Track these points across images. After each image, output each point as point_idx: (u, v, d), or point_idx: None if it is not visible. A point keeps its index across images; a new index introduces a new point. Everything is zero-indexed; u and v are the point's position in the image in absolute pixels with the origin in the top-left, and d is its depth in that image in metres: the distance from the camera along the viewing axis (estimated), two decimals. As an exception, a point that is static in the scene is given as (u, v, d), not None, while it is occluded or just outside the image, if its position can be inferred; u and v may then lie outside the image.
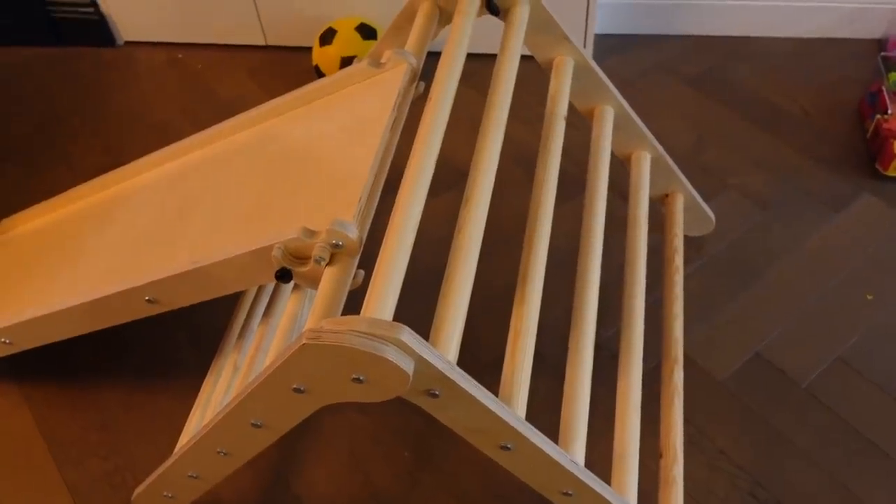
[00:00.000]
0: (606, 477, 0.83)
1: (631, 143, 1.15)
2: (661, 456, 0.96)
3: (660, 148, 1.17)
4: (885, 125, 1.34)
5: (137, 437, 1.10)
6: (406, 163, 0.78)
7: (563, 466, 0.73)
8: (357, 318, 0.63)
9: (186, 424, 1.01)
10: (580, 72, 1.06)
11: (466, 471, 1.04)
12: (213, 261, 0.81)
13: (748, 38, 1.64)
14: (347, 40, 1.49)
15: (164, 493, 0.95)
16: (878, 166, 1.35)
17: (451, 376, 0.65)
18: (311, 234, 0.76)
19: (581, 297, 0.90)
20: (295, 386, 0.68)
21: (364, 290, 0.72)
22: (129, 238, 1.03)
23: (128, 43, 1.76)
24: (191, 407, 1.05)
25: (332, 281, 0.74)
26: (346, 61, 1.48)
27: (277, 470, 1.05)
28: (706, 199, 1.26)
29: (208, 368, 1.07)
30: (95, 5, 1.67)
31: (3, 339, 1.04)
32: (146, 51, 1.74)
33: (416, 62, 0.93)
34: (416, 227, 0.74)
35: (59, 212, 1.24)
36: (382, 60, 0.94)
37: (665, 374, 1.03)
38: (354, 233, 0.74)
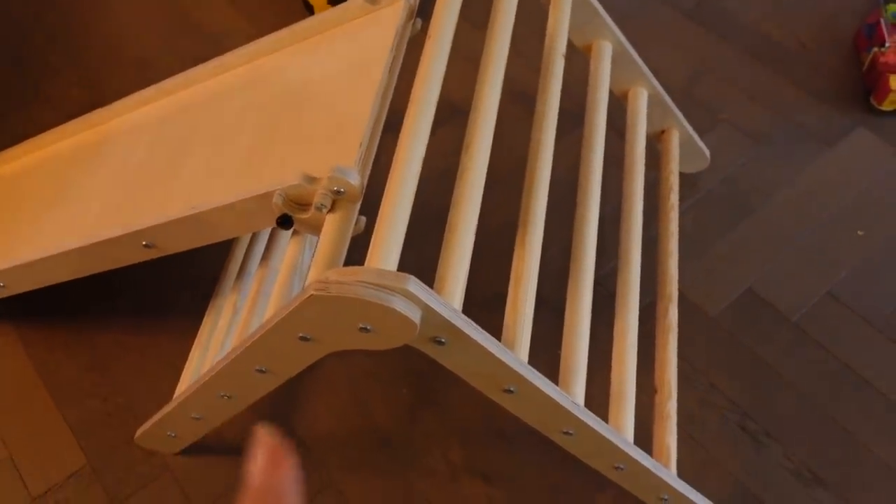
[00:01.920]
0: (604, 413, 0.85)
1: (628, 79, 1.14)
2: (655, 392, 0.98)
3: (657, 84, 1.15)
4: (881, 59, 1.33)
5: (136, 377, 1.11)
6: (404, 103, 0.76)
7: (564, 408, 0.75)
8: (364, 269, 0.63)
9: (186, 365, 1.02)
10: (578, 6, 1.04)
11: (466, 408, 1.06)
12: (212, 206, 0.80)
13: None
14: (335, -31, 1.43)
15: (168, 433, 0.96)
16: (872, 100, 1.34)
17: (458, 324, 0.65)
18: (312, 180, 0.75)
19: (580, 238, 0.90)
20: (301, 334, 0.68)
21: (365, 237, 0.72)
22: (120, 179, 1.01)
23: (104, -31, 1.68)
24: (189, 348, 1.05)
25: (334, 229, 0.73)
26: (335, -9, 1.43)
27: (278, 408, 1.07)
28: (699, 134, 1.25)
29: (205, 310, 1.07)
30: (68, -71, 1.59)
31: (-4, 282, 1.03)
32: (123, -23, 1.67)
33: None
34: (418, 174, 0.73)
35: (43, 150, 1.22)
36: (377, -3, 0.91)
37: (660, 311, 1.04)
38: (356, 179, 0.74)
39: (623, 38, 1.10)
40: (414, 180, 0.72)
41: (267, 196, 0.76)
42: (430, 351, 0.69)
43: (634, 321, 0.94)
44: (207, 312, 1.06)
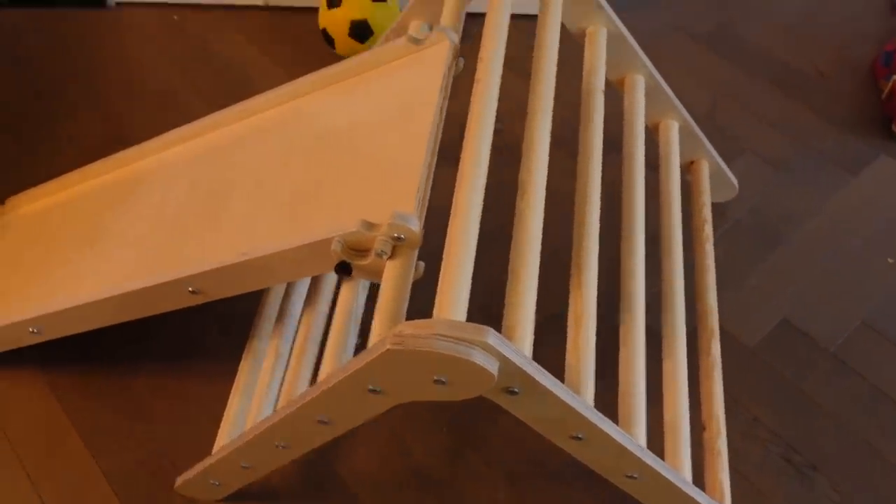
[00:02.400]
0: (660, 452, 0.84)
1: (660, 111, 1.14)
2: (704, 428, 0.98)
3: (686, 115, 1.16)
4: (902, 86, 1.34)
5: (171, 423, 1.09)
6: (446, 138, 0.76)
7: (631, 452, 0.74)
8: (440, 321, 0.62)
9: (226, 412, 1.00)
10: (613, 41, 1.04)
11: (510, 447, 1.05)
12: (265, 253, 0.79)
13: (759, -5, 1.62)
14: (357, 3, 1.43)
15: (212, 482, 0.94)
16: (894, 128, 1.36)
17: (534, 375, 0.65)
18: (371, 226, 0.74)
19: (629, 279, 0.90)
20: (371, 387, 0.67)
21: (421, 281, 0.71)
22: (158, 221, 1.00)
23: (119, 4, 1.68)
24: (223, 391, 1.04)
25: (395, 276, 0.73)
26: (356, 25, 1.43)
27: (319, 449, 1.05)
28: (724, 163, 1.26)
29: (237, 352, 1.06)
30: (84, -35, 1.59)
31: (31, 329, 1.01)
32: (139, 12, 1.66)
33: (457, 39, 0.90)
34: (479, 220, 0.72)
35: (70, 190, 1.20)
36: (420, 37, 0.91)
37: (703, 346, 1.04)
38: (417, 226, 0.73)
39: (655, 72, 1.10)
40: (475, 229, 0.71)
41: (324, 243, 0.76)
42: (502, 401, 0.68)
43: (684, 361, 0.93)
44: (245, 356, 1.04)
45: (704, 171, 1.21)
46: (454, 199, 0.73)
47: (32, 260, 1.12)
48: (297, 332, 0.95)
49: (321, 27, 1.48)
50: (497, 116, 0.79)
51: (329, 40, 1.48)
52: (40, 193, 1.23)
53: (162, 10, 1.66)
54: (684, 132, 1.16)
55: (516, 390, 0.66)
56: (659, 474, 0.78)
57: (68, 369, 1.14)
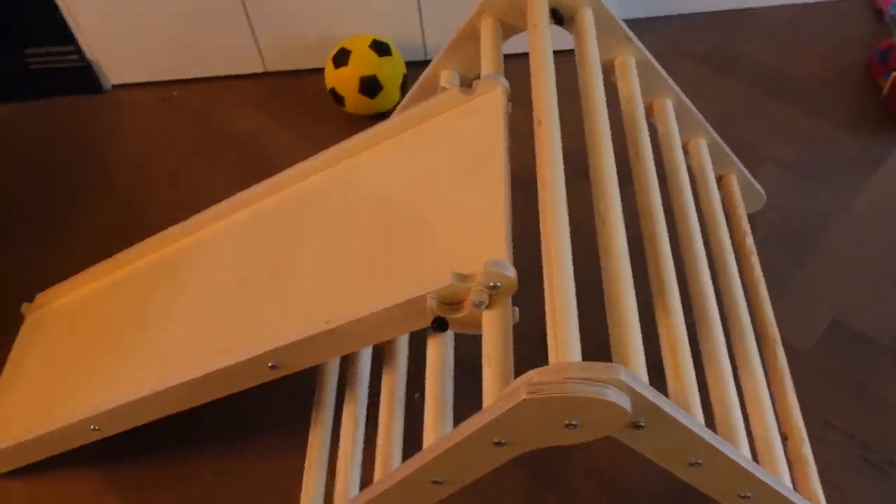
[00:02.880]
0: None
1: (688, 130, 1.16)
2: (786, 438, 0.97)
3: (713, 132, 1.18)
4: (903, 81, 1.39)
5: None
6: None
7: (748, 471, 0.74)
8: (569, 365, 0.62)
9: (304, 488, 0.97)
10: (642, 69, 1.06)
11: (587, 482, 1.03)
12: (352, 319, 0.78)
13: (743, 10, 1.67)
14: (363, 59, 1.45)
15: (305, 560, 0.91)
16: (900, 122, 1.40)
17: (664, 407, 0.64)
18: (465, 278, 0.74)
19: (702, 302, 0.90)
20: (497, 440, 0.66)
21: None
22: (214, 300, 0.98)
23: (115, 87, 1.67)
24: (290, 465, 1.02)
25: (496, 325, 0.72)
26: (365, 81, 1.44)
27: None
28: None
29: (300, 423, 1.03)
30: (79, 52, 1.58)
31: (92, 426, 0.98)
32: (136, 93, 1.66)
33: (507, 84, 0.91)
34: (571, 257, 0.72)
35: (103, 280, 1.18)
36: (472, 86, 0.91)
37: (768, 357, 1.04)
38: (512, 272, 0.73)
39: (682, 94, 1.12)
40: (570, 267, 0.71)
41: (417, 300, 0.75)
42: (626, 436, 0.68)
43: (762, 374, 0.94)
44: (313, 427, 1.02)
45: (735, 184, 1.23)
46: (545, 241, 0.73)
47: (77, 354, 1.09)
48: (375, 394, 0.93)
49: (329, 87, 1.49)
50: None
51: (339, 99, 1.49)
52: (71, 286, 1.21)
53: (159, 88, 1.66)
54: (713, 149, 1.18)
55: (642, 424, 0.66)
56: (774, 490, 0.77)
57: (124, 462, 1.11)
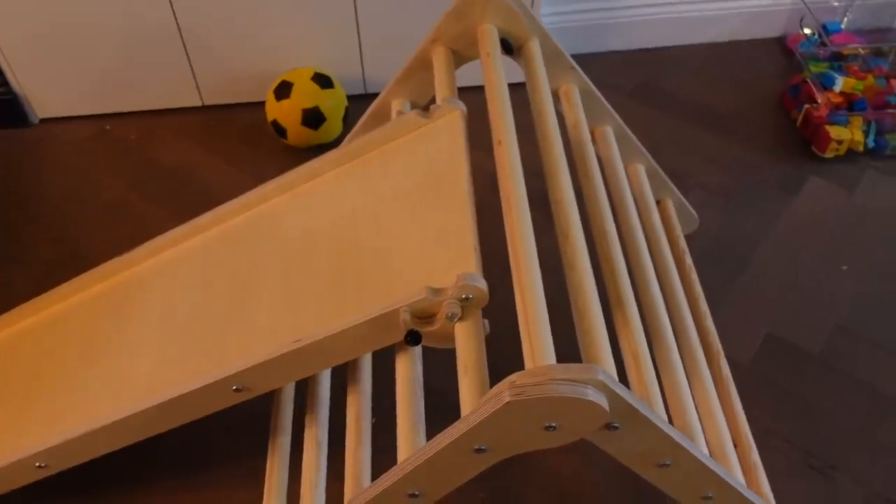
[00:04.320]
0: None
1: (628, 156, 1.22)
2: (735, 445, 1.02)
3: (650, 158, 1.24)
4: (816, 113, 1.49)
5: (198, 539, 1.02)
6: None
7: (713, 471, 0.77)
8: (551, 367, 0.64)
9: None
10: (585, 97, 1.11)
11: (545, 502, 1.05)
12: (324, 335, 0.78)
13: (666, 48, 1.77)
14: (306, 92, 1.46)
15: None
16: (815, 150, 1.50)
17: (638, 406, 0.67)
18: (437, 291, 0.75)
19: (655, 315, 0.94)
20: (478, 446, 0.67)
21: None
22: (172, 325, 0.96)
23: (43, 120, 1.62)
24: (245, 496, 0.99)
25: (470, 336, 0.74)
26: (308, 113, 1.45)
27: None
28: (681, 200, 1.35)
29: (255, 450, 1.01)
30: (6, 84, 1.53)
31: (38, 464, 0.94)
32: (67, 127, 1.61)
33: (465, 108, 0.94)
34: (538, 266, 0.75)
35: (45, 312, 1.13)
36: (429, 110, 0.94)
37: (714, 368, 1.09)
38: (483, 283, 0.75)
39: (621, 121, 1.18)
40: (539, 276, 0.74)
41: (390, 315, 0.76)
42: (600, 437, 0.70)
43: (711, 384, 0.98)
44: (271, 453, 1.00)
45: (671, 207, 1.29)
46: (512, 253, 0.75)
47: (22, 387, 1.04)
48: (338, 413, 0.92)
49: (270, 119, 1.49)
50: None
51: (281, 131, 1.49)
52: (8, 320, 1.15)
53: (91, 121, 1.62)
54: (650, 174, 1.24)
55: (617, 425, 0.68)
56: (735, 489, 0.80)
57: (69, 501, 1.06)
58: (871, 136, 1.48)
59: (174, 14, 1.47)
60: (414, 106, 1.11)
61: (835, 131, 1.47)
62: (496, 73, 0.94)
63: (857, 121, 1.49)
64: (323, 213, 0.94)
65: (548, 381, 0.62)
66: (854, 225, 1.40)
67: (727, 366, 1.10)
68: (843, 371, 1.20)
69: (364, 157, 0.97)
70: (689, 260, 1.22)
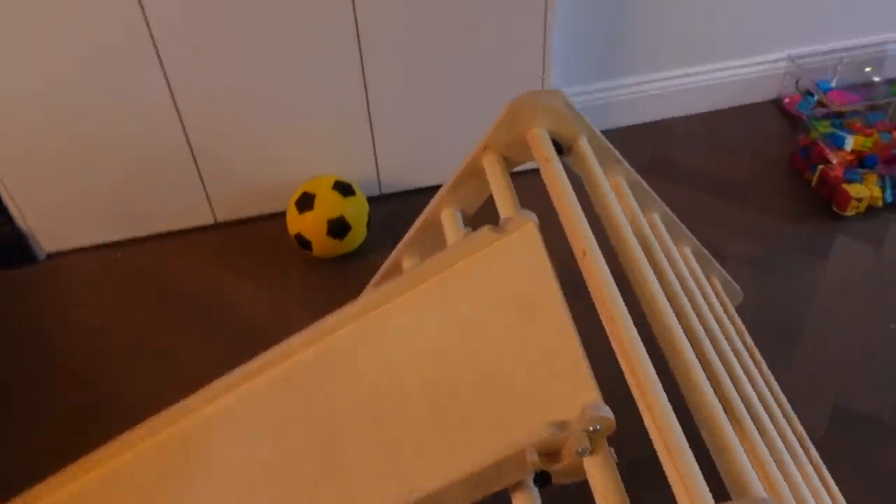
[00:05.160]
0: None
1: (677, 240, 1.21)
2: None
3: (694, 239, 1.23)
4: (831, 173, 1.52)
5: None
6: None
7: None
8: (722, 505, 0.60)
9: None
10: (633, 188, 1.11)
11: None
12: (441, 484, 0.73)
13: (668, 119, 1.79)
14: (329, 202, 1.43)
15: None
16: (836, 209, 1.52)
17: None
18: (562, 425, 0.71)
19: (756, 416, 0.91)
20: None
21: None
22: (247, 486, 0.89)
23: (50, 255, 1.55)
24: None
25: (607, 470, 0.69)
26: (333, 223, 1.42)
27: None
28: (722, 274, 1.34)
29: None
30: (11, 222, 1.47)
31: None
32: (76, 259, 1.55)
33: (537, 219, 0.91)
34: (664, 392, 0.72)
35: (96, 472, 1.05)
36: (500, 225, 0.91)
37: (809, 457, 1.06)
38: (609, 413, 0.71)
39: (667, 208, 1.17)
40: (668, 403, 0.70)
41: (515, 456, 0.71)
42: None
43: (816, 477, 0.95)
44: None
45: (718, 285, 1.28)
46: (634, 381, 0.72)
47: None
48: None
49: (294, 232, 1.45)
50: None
51: (305, 244, 1.45)
52: (49, 488, 1.07)
53: (101, 251, 1.56)
54: (696, 253, 1.23)
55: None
56: None
57: None
58: (889, 191, 1.51)
59: (185, 133, 1.44)
60: (464, 215, 1.09)
61: (854, 189, 1.49)
62: (561, 180, 0.92)
63: (872, 177, 1.51)
64: (401, 343, 0.90)
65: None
66: (890, 281, 1.40)
67: (814, 448, 1.07)
68: (918, 435, 1.18)
69: (436, 277, 0.93)
70: (749, 339, 1.21)
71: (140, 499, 0.97)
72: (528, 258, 0.87)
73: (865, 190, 1.49)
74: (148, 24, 1.30)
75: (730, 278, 1.32)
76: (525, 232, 0.90)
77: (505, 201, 0.96)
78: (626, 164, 1.10)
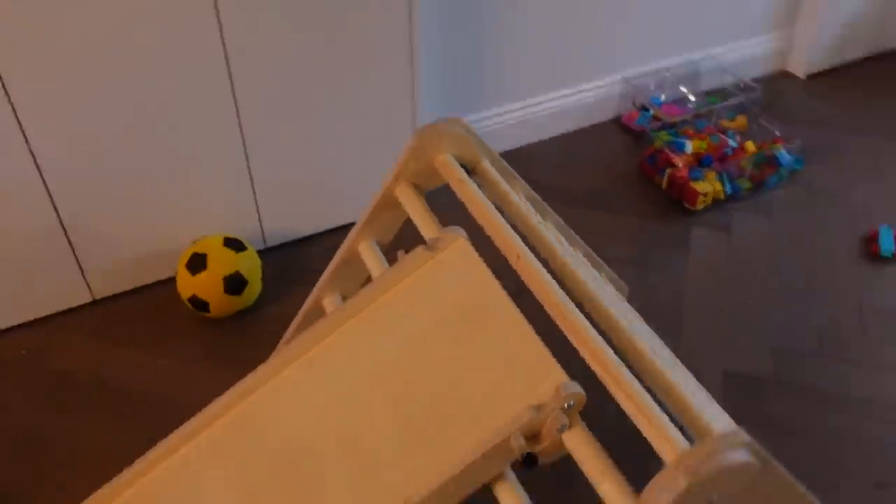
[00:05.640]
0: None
1: (571, 246, 1.31)
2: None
3: (584, 244, 1.34)
4: (678, 174, 1.70)
5: None
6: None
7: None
8: (713, 440, 0.67)
9: None
10: (532, 202, 1.19)
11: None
12: (438, 484, 0.75)
13: (525, 146, 1.92)
14: (221, 259, 1.40)
15: None
16: (687, 205, 1.70)
17: (772, 460, 0.72)
18: (539, 408, 0.76)
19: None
20: (650, 539, 0.68)
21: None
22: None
23: None
24: None
25: (587, 441, 0.75)
26: (229, 280, 1.39)
27: None
28: (608, 274, 1.46)
29: None
30: None
31: None
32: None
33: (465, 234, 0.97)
34: (616, 356, 0.79)
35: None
36: (431, 243, 0.96)
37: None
38: (580, 388, 0.77)
39: (559, 218, 1.27)
40: (624, 366, 0.77)
41: (501, 444, 0.75)
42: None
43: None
44: None
45: (608, 281, 1.39)
46: (590, 355, 0.78)
47: None
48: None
49: (188, 296, 1.41)
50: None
51: (201, 305, 1.41)
52: None
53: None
54: (586, 255, 1.34)
55: (752, 485, 0.72)
56: None
57: None
58: (728, 184, 1.71)
59: (56, 210, 1.37)
60: (381, 246, 1.13)
61: (699, 186, 1.68)
62: (480, 197, 0.99)
63: (711, 174, 1.71)
64: (356, 368, 0.91)
65: (715, 453, 0.65)
66: (742, 261, 1.59)
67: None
68: (799, 385, 1.34)
69: (375, 304, 0.96)
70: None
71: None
72: (466, 270, 0.92)
73: (709, 185, 1.69)
74: (11, 103, 1.24)
75: (616, 276, 1.44)
76: (458, 246, 0.95)
77: (427, 224, 1.01)
78: (523, 181, 1.19)
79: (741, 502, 0.74)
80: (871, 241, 1.61)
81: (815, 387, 1.34)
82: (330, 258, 1.16)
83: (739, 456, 0.67)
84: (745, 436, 0.68)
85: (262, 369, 0.97)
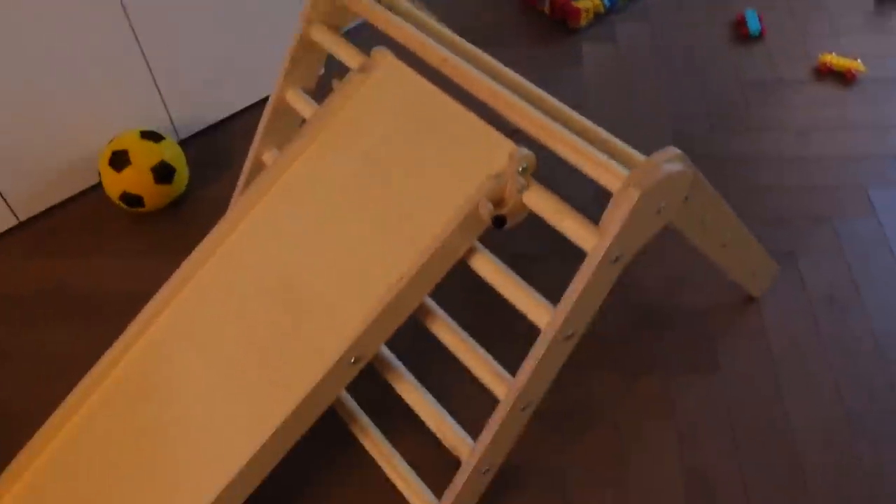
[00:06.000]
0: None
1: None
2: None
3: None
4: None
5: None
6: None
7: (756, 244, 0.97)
8: (649, 159, 0.78)
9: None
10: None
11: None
12: (423, 260, 0.84)
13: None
14: (144, 151, 1.40)
15: None
16: (571, 25, 1.79)
17: (701, 178, 0.84)
18: (499, 175, 0.85)
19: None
20: (616, 255, 0.79)
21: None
22: (230, 364, 0.93)
23: None
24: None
25: (544, 193, 0.85)
26: (158, 169, 1.40)
27: None
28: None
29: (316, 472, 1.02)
30: None
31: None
32: None
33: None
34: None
35: (57, 439, 1.01)
36: (363, 66, 1.01)
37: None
38: (528, 150, 0.86)
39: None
40: (552, 121, 0.87)
41: (472, 213, 0.84)
42: (681, 214, 0.86)
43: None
44: (370, 448, 1.02)
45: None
46: (519, 115, 0.88)
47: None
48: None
49: (118, 194, 1.41)
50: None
51: (134, 200, 1.42)
52: (20, 468, 1.01)
53: None
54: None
55: (688, 196, 0.85)
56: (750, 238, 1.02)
57: None
58: (604, -2, 1.81)
59: (-41, 135, 1.32)
60: (306, 90, 1.17)
61: (580, 3, 1.77)
62: (391, 17, 1.04)
63: (588, -9, 1.80)
64: (319, 194, 0.97)
65: (658, 166, 0.77)
66: (631, 64, 1.71)
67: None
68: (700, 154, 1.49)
69: (322, 134, 1.01)
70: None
71: (120, 439, 0.97)
72: (401, 80, 0.99)
73: (588, 2, 1.78)
74: None
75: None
76: (388, 63, 1.01)
77: (350, 54, 1.06)
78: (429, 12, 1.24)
79: (683, 214, 0.87)
80: (741, 24, 1.76)
81: (715, 154, 1.49)
82: (249, 137, 1.19)
83: (676, 166, 0.78)
84: (677, 150, 0.80)
85: (231, 213, 1.02)
